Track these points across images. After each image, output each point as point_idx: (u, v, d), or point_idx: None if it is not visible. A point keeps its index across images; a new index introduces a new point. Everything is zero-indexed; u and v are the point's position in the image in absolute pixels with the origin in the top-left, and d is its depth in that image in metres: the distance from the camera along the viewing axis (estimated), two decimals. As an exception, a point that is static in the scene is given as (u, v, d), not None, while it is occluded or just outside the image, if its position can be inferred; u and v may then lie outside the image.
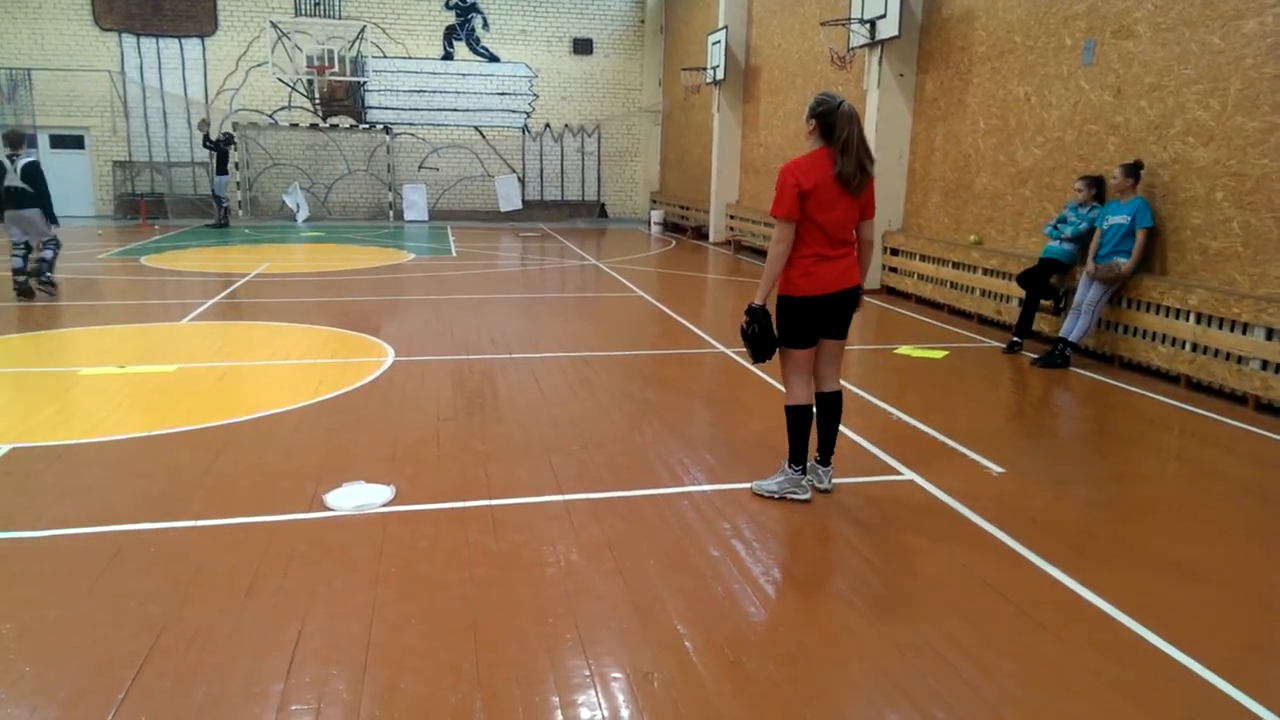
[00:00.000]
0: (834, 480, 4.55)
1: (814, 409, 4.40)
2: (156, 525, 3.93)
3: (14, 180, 9.63)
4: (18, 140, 9.91)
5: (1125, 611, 3.33)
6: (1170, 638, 3.15)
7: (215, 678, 2.80)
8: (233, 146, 19.43)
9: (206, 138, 19.16)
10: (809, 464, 4.56)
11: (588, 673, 2.88)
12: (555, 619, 3.21)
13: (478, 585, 3.44)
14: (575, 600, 3.34)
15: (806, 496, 4.36)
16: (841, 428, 5.49)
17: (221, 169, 19.02)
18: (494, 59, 22.62)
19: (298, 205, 21.05)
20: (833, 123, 4.02)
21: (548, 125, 23.20)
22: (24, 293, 9.70)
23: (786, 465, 4.39)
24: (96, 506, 4.14)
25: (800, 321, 4.22)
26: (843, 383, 6.62)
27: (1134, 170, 7.21)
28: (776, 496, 4.38)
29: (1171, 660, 3.02)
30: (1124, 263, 7.18)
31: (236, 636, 3.04)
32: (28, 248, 9.77)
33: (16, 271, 9.72)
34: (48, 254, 9.84)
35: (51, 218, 9.90)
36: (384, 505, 4.21)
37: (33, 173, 9.72)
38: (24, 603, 3.25)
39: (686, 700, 2.74)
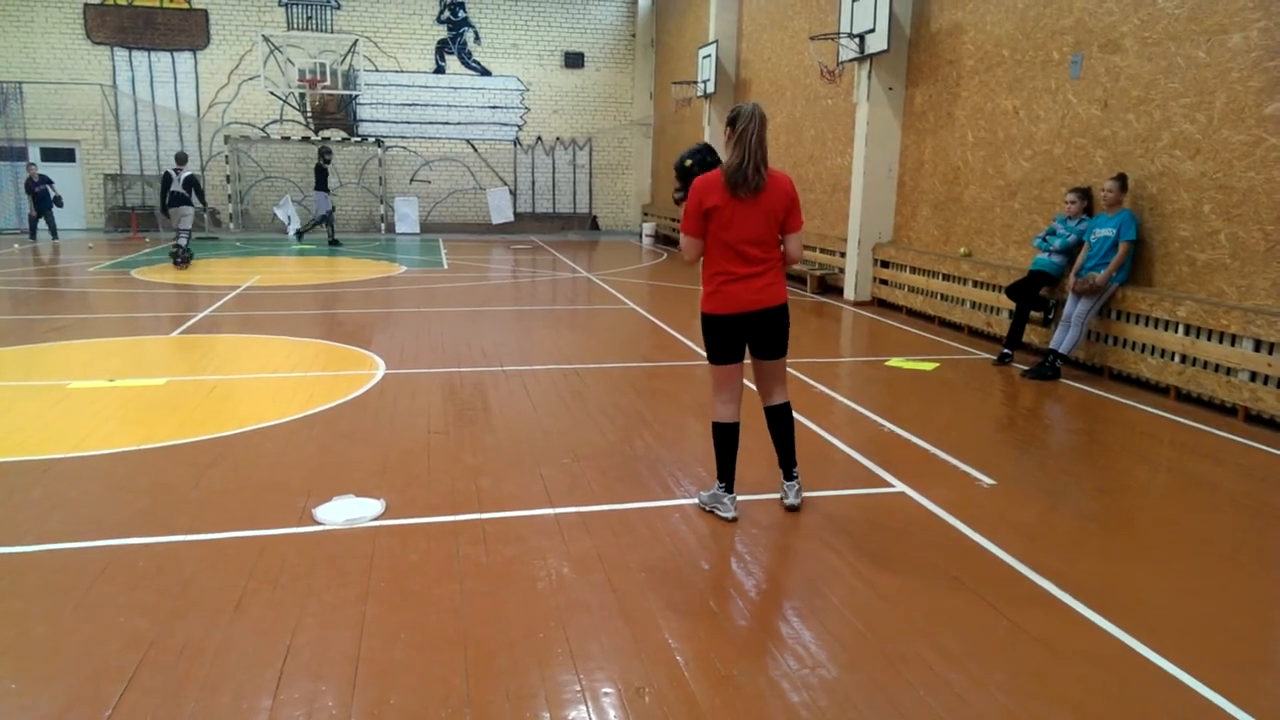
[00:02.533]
0: (804, 495, 4.41)
1: (739, 426, 4.25)
2: (145, 540, 3.91)
3: (177, 186, 14.33)
4: (183, 159, 14.70)
5: (1115, 622, 3.33)
6: (1160, 648, 3.15)
7: (204, 693, 2.78)
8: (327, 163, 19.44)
9: (323, 159, 19.11)
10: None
11: (579, 687, 2.87)
12: (546, 633, 3.19)
13: (468, 599, 3.43)
14: (566, 614, 3.33)
15: (730, 515, 4.24)
16: (833, 439, 5.52)
17: (322, 185, 18.87)
18: (486, 72, 22.70)
19: (289, 218, 21.04)
20: (735, 120, 3.94)
21: (539, 138, 23.27)
22: (178, 263, 14.30)
23: (716, 479, 4.34)
24: (85, 521, 4.11)
25: (717, 339, 4.14)
26: (834, 394, 6.68)
27: (1125, 183, 7.27)
28: (706, 509, 4.35)
29: (1161, 671, 3.02)
30: (1098, 275, 7.23)
31: (225, 651, 3.02)
32: (184, 235, 14.41)
33: (175, 249, 14.42)
34: (183, 240, 14.40)
35: (204, 207, 15.74)
36: (374, 519, 4.19)
37: (190, 183, 14.42)
38: (10, 618, 3.22)
39: (678, 715, 2.73)
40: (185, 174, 14.39)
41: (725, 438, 4.23)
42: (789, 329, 4.25)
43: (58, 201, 18.34)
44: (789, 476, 4.38)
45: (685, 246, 4.12)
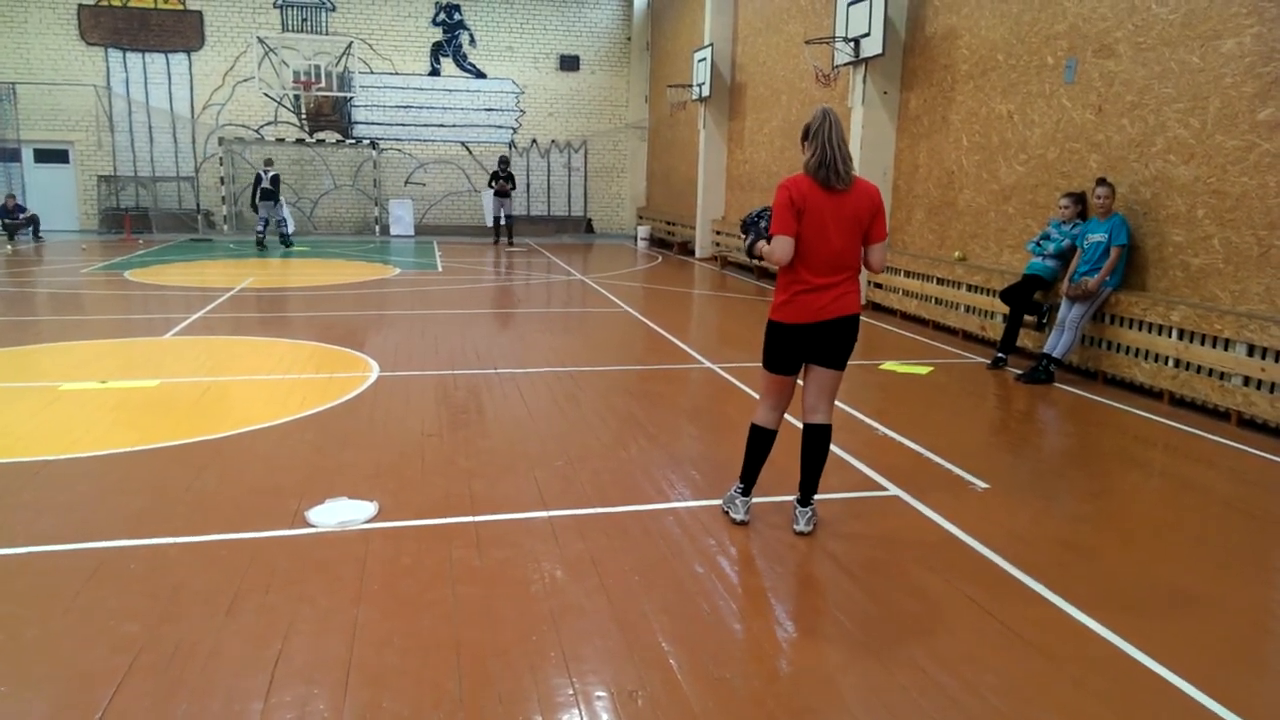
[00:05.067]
0: (814, 516, 4.19)
1: (775, 435, 4.19)
2: (137, 542, 3.89)
3: (265, 183, 17.74)
4: (270, 161, 18.27)
5: (1108, 626, 3.33)
6: (1152, 651, 3.15)
7: (195, 697, 2.77)
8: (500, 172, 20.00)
9: (504, 168, 19.75)
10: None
11: (571, 691, 2.86)
12: (539, 636, 3.19)
13: (461, 602, 3.42)
14: (559, 617, 3.32)
15: (739, 518, 4.21)
16: (827, 443, 5.50)
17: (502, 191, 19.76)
18: (481, 75, 22.68)
19: (283, 220, 20.95)
20: (807, 128, 3.94)
21: (534, 141, 23.27)
22: (260, 246, 17.59)
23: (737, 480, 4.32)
24: (76, 523, 4.09)
25: (779, 347, 4.07)
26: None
27: (1113, 188, 7.30)
28: (724, 509, 4.35)
29: (1153, 674, 3.02)
30: (1091, 279, 7.24)
31: (217, 655, 3.01)
32: (266, 223, 17.81)
33: (259, 234, 17.81)
34: (287, 228, 18.48)
35: (278, 203, 18.18)
36: (367, 522, 4.18)
37: (275, 181, 17.93)
38: (0, 621, 3.20)
39: (671, 718, 2.73)
40: (271, 173, 17.78)
41: (759, 441, 4.19)
42: (856, 342, 4.14)
43: (35, 229, 18.69)
44: (804, 503, 4.18)
45: (778, 248, 3.88)
